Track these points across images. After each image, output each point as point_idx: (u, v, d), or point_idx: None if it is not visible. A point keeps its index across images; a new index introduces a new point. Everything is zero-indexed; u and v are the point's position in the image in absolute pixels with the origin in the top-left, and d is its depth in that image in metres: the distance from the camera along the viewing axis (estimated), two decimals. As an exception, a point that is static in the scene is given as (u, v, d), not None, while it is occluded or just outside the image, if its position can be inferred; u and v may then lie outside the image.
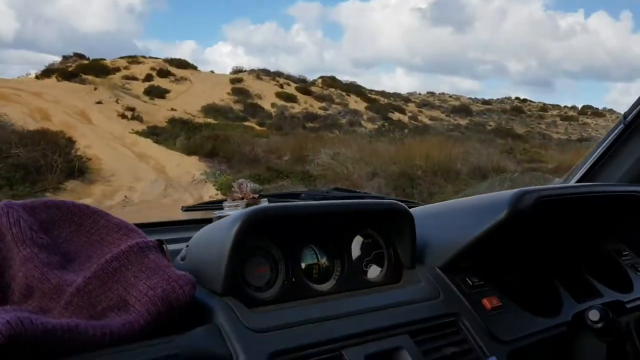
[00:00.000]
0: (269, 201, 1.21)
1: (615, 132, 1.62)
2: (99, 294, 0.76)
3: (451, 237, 1.13)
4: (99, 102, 21.67)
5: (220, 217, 1.10)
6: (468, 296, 1.06)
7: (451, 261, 1.11)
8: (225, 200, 1.16)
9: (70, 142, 13.47)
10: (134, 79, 28.85)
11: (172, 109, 23.92)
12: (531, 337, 1.07)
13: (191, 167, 14.09)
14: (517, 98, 47.96)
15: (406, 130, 24.08)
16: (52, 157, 11.18)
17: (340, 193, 1.47)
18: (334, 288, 1.00)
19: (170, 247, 1.02)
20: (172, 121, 20.56)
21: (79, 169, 11.98)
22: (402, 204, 1.07)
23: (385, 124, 28.00)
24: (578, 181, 1.61)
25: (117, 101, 22.37)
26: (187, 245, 0.95)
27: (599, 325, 0.96)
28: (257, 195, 1.12)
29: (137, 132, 18.54)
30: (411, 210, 1.16)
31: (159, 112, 22.92)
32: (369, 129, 26.54)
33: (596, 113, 45.65)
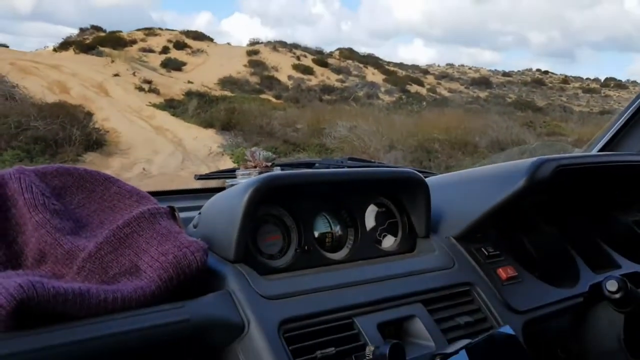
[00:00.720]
0: (282, 170, 1.20)
1: (638, 102, 1.57)
2: (111, 260, 0.76)
3: (467, 206, 1.11)
4: (116, 75, 21.74)
5: (232, 186, 1.10)
6: (483, 266, 1.05)
7: (466, 231, 1.09)
8: (239, 168, 1.15)
9: (89, 115, 13.56)
10: (151, 51, 28.85)
11: (189, 82, 23.91)
12: (547, 308, 1.05)
13: (208, 139, 14.13)
14: (538, 70, 47.07)
15: (424, 103, 23.83)
16: (71, 129, 11.27)
17: (355, 162, 1.45)
18: (347, 257, 0.99)
19: (183, 214, 1.02)
20: (189, 94, 20.56)
21: (97, 141, 12.07)
22: (417, 173, 1.06)
23: (403, 96, 27.71)
24: (599, 151, 1.57)
25: (134, 74, 22.41)
26: (200, 213, 0.95)
27: (617, 295, 0.94)
28: (270, 163, 1.11)
29: (154, 105, 18.60)
30: (427, 179, 1.14)
31: (175, 85, 22.94)
32: (386, 102, 26.31)
33: (619, 85, 44.63)
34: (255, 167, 1.11)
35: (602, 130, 1.66)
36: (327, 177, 0.97)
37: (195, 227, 0.94)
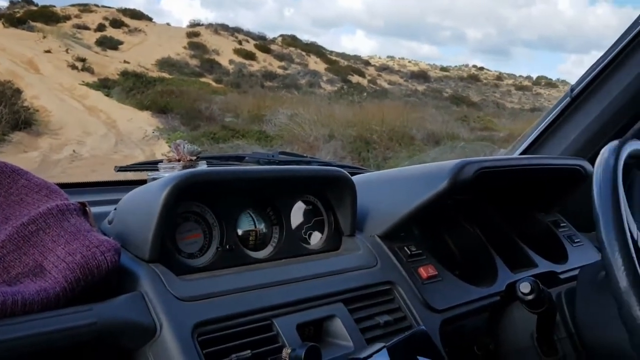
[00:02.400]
0: (208, 164, 1.17)
1: (562, 105, 1.63)
2: (14, 259, 0.72)
3: (392, 205, 1.12)
4: (48, 51, 20.73)
5: (154, 180, 1.06)
6: (405, 265, 1.06)
7: (391, 230, 1.10)
8: (162, 161, 1.11)
9: (17, 92, 12.87)
10: (86, 28, 27.65)
11: (125, 62, 23.10)
12: (465, 306, 1.08)
13: (143, 122, 13.74)
14: (474, 66, 48.57)
15: (365, 94, 24.08)
16: (-3, 107, 10.68)
17: (286, 157, 1.44)
18: (271, 255, 0.98)
19: (100, 209, 0.98)
20: (124, 74, 19.87)
21: (25, 120, 11.50)
22: (344, 171, 1.05)
23: (345, 86, 27.89)
24: (522, 153, 1.63)
25: (67, 51, 21.43)
26: (115, 208, 0.91)
27: (530, 297, 0.98)
28: (195, 157, 1.07)
29: (87, 84, 17.91)
30: (354, 177, 1.14)
31: (111, 64, 22.11)
32: (328, 91, 26.41)
33: (549, 84, 46.76)
34: (179, 160, 1.07)
35: (527, 131, 1.72)
36: (251, 174, 0.95)
37: (110, 223, 0.90)
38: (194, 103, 15.44)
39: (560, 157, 1.52)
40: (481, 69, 48.14)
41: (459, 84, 40.16)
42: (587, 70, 1.62)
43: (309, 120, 13.69)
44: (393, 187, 1.16)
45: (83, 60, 20.69)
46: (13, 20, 25.67)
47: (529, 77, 49.04)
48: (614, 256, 0.81)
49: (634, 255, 0.81)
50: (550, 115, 1.66)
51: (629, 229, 0.86)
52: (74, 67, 19.77)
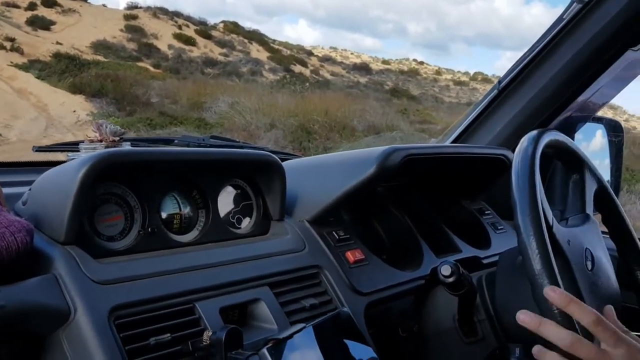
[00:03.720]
0: (133, 146, 1.13)
1: (490, 96, 1.69)
2: None
3: (321, 190, 1.13)
4: (-28, 28, 19.50)
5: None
6: (332, 249, 1.07)
7: (320, 215, 1.11)
8: (83, 142, 1.07)
9: None
10: (15, 6, 26.18)
11: (58, 43, 22.08)
12: (390, 290, 1.10)
13: (77, 106, 13.23)
14: (414, 60, 49.50)
15: (307, 84, 24.08)
16: None
17: (217, 141, 1.41)
18: (196, 239, 0.96)
19: (15, 189, 0.93)
20: (57, 56, 18.99)
21: (-55, 101, 10.82)
22: (273, 156, 1.05)
23: (287, 76, 27.78)
24: (452, 142, 1.67)
25: (-7, 29, 20.24)
26: (30, 189, 0.87)
27: (450, 279, 1.01)
28: (119, 138, 1.04)
29: (16, 65, 17.01)
30: (285, 163, 1.14)
31: (42, 45, 21.09)
32: (270, 80, 26.22)
33: (485, 79, 48.34)
34: (101, 141, 1.03)
35: (456, 122, 1.76)
36: (176, 156, 0.93)
37: (24, 204, 0.85)
38: (130, 88, 14.98)
39: (486, 147, 1.57)
40: (421, 63, 49.15)
41: (399, 77, 40.83)
42: (514, 64, 1.68)
43: (250, 109, 13.57)
44: (323, 173, 1.17)
45: (12, 40, 19.60)
46: None
47: (466, 73, 50.50)
48: (528, 240, 0.84)
49: (547, 239, 0.85)
50: (479, 107, 1.71)
51: (544, 214, 0.90)
52: (1, 47, 18.70)
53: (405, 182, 1.34)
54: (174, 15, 31.76)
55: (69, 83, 15.18)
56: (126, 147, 1.05)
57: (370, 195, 1.25)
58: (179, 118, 12.45)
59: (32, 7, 26.70)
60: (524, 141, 0.99)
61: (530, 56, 1.62)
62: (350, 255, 1.08)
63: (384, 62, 46.57)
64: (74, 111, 12.54)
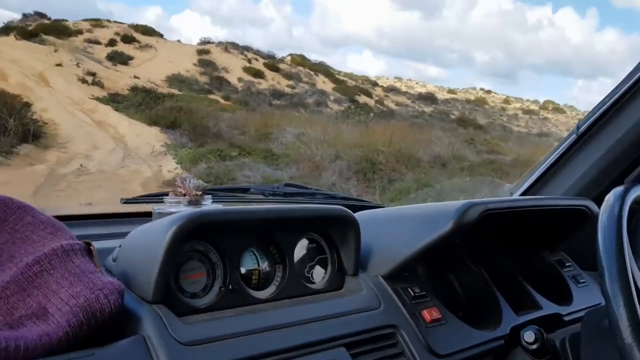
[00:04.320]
0: (213, 196, 1.17)
1: (567, 142, 1.63)
2: (17, 301, 0.72)
3: (396, 245, 1.12)
4: (59, 65, 20.94)
5: (160, 214, 1.06)
6: (408, 307, 1.06)
7: (395, 270, 1.10)
8: (167, 194, 1.11)
9: (27, 105, 12.99)
10: (97, 43, 27.95)
11: (135, 77, 23.31)
12: (468, 351, 1.07)
13: (152, 138, 13.81)
14: (481, 89, 48.70)
15: (372, 115, 24.16)
16: (7, 119, 10.76)
17: (291, 189, 1.44)
18: (273, 295, 0.98)
19: (105, 243, 0.98)
20: (134, 89, 20.04)
21: (33, 133, 11.58)
22: (348, 211, 1.05)
23: (352, 106, 28.00)
24: (527, 190, 1.62)
25: (77, 65, 21.64)
26: (120, 245, 0.91)
27: (534, 346, 0.97)
28: (201, 192, 1.08)
29: (97, 99, 18.05)
30: (359, 214, 1.14)
31: (121, 79, 22.31)
32: (335, 110, 26.51)
33: (557, 109, 46.81)
34: (184, 195, 1.07)
35: (531, 169, 1.71)
36: (256, 214, 0.96)
37: (114, 260, 0.90)
38: (202, 119, 15.52)
39: (565, 198, 1.52)
40: (489, 92, 48.31)
41: (466, 106, 40.24)
42: (593, 109, 1.62)
43: (316, 140, 13.74)
44: (397, 227, 1.16)
45: (93, 74, 20.88)
46: (25, 33, 26.01)
47: (536, 101, 49.14)
48: (618, 310, 0.80)
49: (638, 309, 0.81)
50: (556, 152, 1.66)
51: (634, 280, 0.85)
52: (84, 81, 19.94)
53: (482, 234, 1.31)
54: (244, 49, 32.90)
55: (145, 115, 15.92)
56: (208, 201, 1.09)
57: (445, 250, 1.23)
58: (247, 149, 12.75)
59: (112, 43, 28.41)
60: (610, 198, 0.95)
61: (612, 100, 1.56)
62: (427, 314, 1.06)
63: (450, 91, 46.12)
64: (150, 143, 13.09)
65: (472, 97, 44.36)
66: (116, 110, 16.91)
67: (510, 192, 1.79)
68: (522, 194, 1.63)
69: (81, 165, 10.31)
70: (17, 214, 0.83)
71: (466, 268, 1.28)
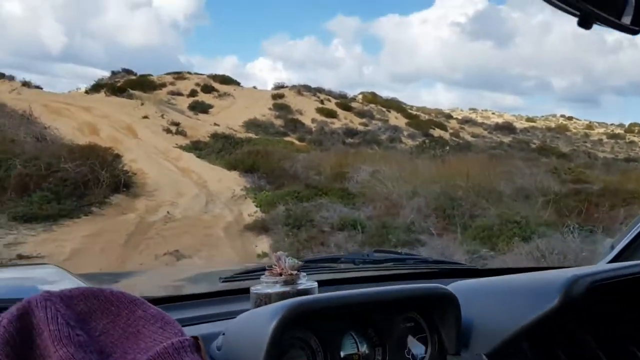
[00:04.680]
0: (306, 270, 1.18)
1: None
2: (133, 400, 0.75)
3: (499, 321, 1.07)
4: (145, 117, 22.26)
5: (257, 294, 1.08)
6: (516, 388, 1.01)
7: (499, 348, 1.05)
8: (263, 271, 1.13)
9: (117, 157, 13.83)
10: (179, 94, 29.58)
11: (215, 124, 24.35)
12: None
13: (232, 182, 14.25)
14: (562, 115, 46.92)
15: (447, 148, 23.80)
16: (99, 171, 11.48)
17: (380, 255, 1.43)
18: (374, 379, 0.96)
19: (207, 327, 1.01)
20: (214, 136, 20.90)
21: (124, 183, 12.26)
22: (448, 289, 1.03)
23: (426, 140, 27.74)
24: (617, 255, 1.51)
25: (162, 116, 22.92)
26: (224, 333, 0.93)
27: None
28: (296, 271, 1.09)
29: (180, 147, 18.93)
30: (455, 285, 1.11)
31: (202, 127, 23.37)
32: (409, 146, 26.36)
33: (645, 131, 44.13)
34: (280, 274, 1.09)
35: (621, 234, 1.60)
36: (355, 299, 0.95)
37: (219, 349, 0.92)
38: (278, 162, 15.88)
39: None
40: (570, 118, 46.42)
41: (546, 134, 38.80)
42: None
43: (391, 177, 13.66)
44: (499, 301, 1.12)
45: (177, 124, 22.02)
46: (114, 89, 27.99)
47: (621, 125, 46.62)
48: None
49: None
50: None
51: None
52: (168, 130, 21.05)
53: (588, 308, 1.23)
54: (317, 91, 33.65)
55: (225, 160, 16.51)
56: (303, 279, 1.09)
57: (551, 325, 1.17)
58: (323, 189, 12.85)
59: (193, 93, 29.95)
60: None
61: None
62: (536, 395, 1.00)
63: (529, 119, 44.72)
64: (230, 187, 13.51)
65: (553, 125, 42.77)
66: (198, 157, 17.64)
67: (611, 246, 1.68)
68: (622, 252, 1.52)
69: (168, 212, 10.76)
70: (128, 308, 0.87)
71: (573, 338, 1.21)
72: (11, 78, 27.95)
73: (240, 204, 12.26)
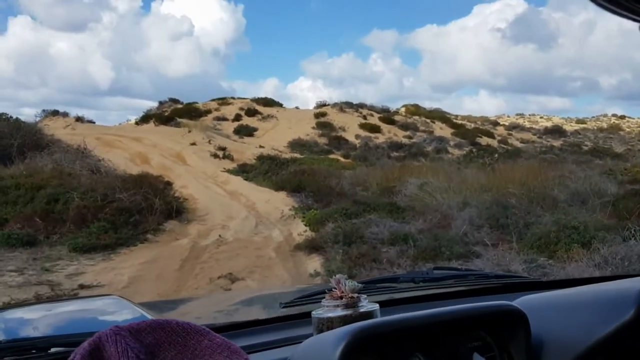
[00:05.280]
0: (366, 292, 1.16)
1: None
2: None
3: (570, 336, 1.03)
4: (193, 144, 22.80)
5: (318, 319, 1.07)
6: (595, 407, 0.96)
7: (571, 365, 1.01)
8: (323, 294, 1.13)
9: (168, 184, 14.18)
10: (224, 119, 30.21)
11: (260, 146, 24.69)
12: None
13: (279, 202, 14.36)
14: (613, 115, 45.30)
15: (496, 155, 23.33)
16: (152, 199, 11.79)
17: (440, 273, 1.40)
18: (444, 403, 0.93)
19: (270, 354, 1.01)
20: (260, 158, 21.19)
21: (176, 209, 12.54)
22: (516, 306, 0.99)
23: (474, 149, 27.28)
24: None
25: (209, 142, 23.44)
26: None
27: None
28: (357, 295, 1.08)
29: (228, 171, 19.27)
30: (522, 300, 1.08)
31: (248, 150, 23.74)
32: (456, 156, 25.99)
33: None
34: (341, 297, 1.08)
35: None
36: (420, 320, 0.93)
37: (284, 376, 0.92)
38: (324, 180, 15.92)
39: None
40: (622, 117, 44.74)
41: (598, 135, 37.51)
42: None
43: (440, 188, 13.47)
44: (569, 315, 1.07)
45: (223, 149, 22.46)
46: (162, 118, 28.85)
47: (680, 120, 44.55)
48: None
49: None
50: None
51: None
52: (215, 156, 21.48)
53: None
54: (358, 106, 33.70)
55: (272, 182, 16.68)
56: (364, 302, 1.08)
57: (626, 339, 1.11)
58: (371, 205, 12.78)
59: (237, 118, 30.53)
60: None
61: None
62: (618, 414, 0.95)
63: (579, 121, 43.37)
64: (278, 207, 13.62)
65: (605, 125, 41.32)
66: (246, 179, 17.90)
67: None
68: None
69: (220, 235, 10.91)
70: (195, 338, 0.88)
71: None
72: (65, 114, 29.21)
73: (290, 224, 12.32)
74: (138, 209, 11.46)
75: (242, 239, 10.94)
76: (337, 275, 1.12)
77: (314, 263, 8.61)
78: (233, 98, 34.73)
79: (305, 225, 11.63)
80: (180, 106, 32.47)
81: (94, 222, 10.31)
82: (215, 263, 8.85)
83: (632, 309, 0.97)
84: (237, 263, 8.80)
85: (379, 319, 0.99)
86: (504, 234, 9.72)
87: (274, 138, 27.01)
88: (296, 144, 25.95)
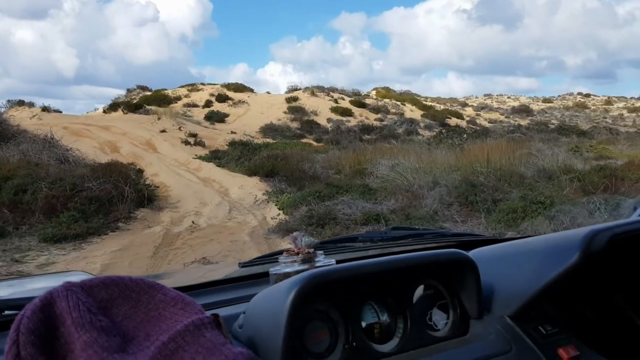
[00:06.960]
0: (324, 249, 1.18)
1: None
2: (158, 378, 0.76)
3: (520, 283, 1.06)
4: (163, 131, 22.50)
5: (276, 275, 1.09)
6: (542, 347, 1.00)
7: (521, 309, 1.04)
8: (281, 254, 1.14)
9: (139, 172, 13.99)
10: (195, 105, 29.84)
11: (232, 132, 24.49)
12: (615, 391, 0.98)
13: (253, 187, 14.30)
14: (579, 93, 46.16)
15: (465, 135, 23.59)
16: (123, 187, 11.63)
17: (399, 232, 1.42)
18: (397, 348, 0.96)
19: (229, 310, 1.02)
20: (232, 144, 21.03)
21: (148, 197, 12.39)
22: (464, 253, 1.02)
23: (443, 130, 27.53)
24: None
25: (179, 128, 23.15)
26: (244, 312, 0.94)
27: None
28: (313, 250, 1.10)
29: (200, 157, 19.07)
30: (474, 252, 1.11)
31: (219, 136, 23.52)
32: (426, 137, 26.21)
33: (668, 101, 43.21)
34: (297, 253, 1.10)
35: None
36: (370, 267, 0.95)
37: (240, 327, 0.93)
38: (297, 164, 15.91)
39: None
40: (587, 95, 45.60)
41: (564, 113, 38.21)
42: None
43: (411, 169, 13.58)
44: (518, 262, 1.11)
45: (194, 135, 22.21)
46: (131, 106, 28.35)
47: (642, 97, 45.65)
48: None
49: None
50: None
51: None
52: (187, 143, 21.24)
53: (609, 263, 1.21)
54: (330, 90, 33.66)
55: (244, 167, 16.59)
56: (320, 257, 1.10)
57: (573, 282, 1.15)
58: (344, 187, 12.83)
59: (208, 104, 30.18)
60: None
61: None
62: (564, 353, 0.99)
63: (545, 100, 44.07)
64: (252, 193, 13.58)
65: (570, 104, 42.09)
66: (218, 165, 17.75)
67: (633, 207, 1.66)
68: None
69: (193, 222, 10.84)
70: (148, 293, 0.89)
71: (599, 296, 1.19)
72: (31, 105, 28.47)
73: (263, 209, 12.30)
74: (108, 198, 11.28)
75: (216, 225, 10.89)
76: (294, 233, 1.14)
77: (288, 245, 8.63)
78: (203, 84, 34.31)
79: (279, 209, 11.62)
80: (149, 93, 31.96)
81: (63, 211, 10.12)
82: (189, 249, 8.80)
83: (577, 252, 1.00)
84: (211, 248, 8.76)
85: (328, 265, 1.01)
86: (473, 211, 9.89)
87: (245, 124, 26.81)
88: (268, 129, 25.82)
